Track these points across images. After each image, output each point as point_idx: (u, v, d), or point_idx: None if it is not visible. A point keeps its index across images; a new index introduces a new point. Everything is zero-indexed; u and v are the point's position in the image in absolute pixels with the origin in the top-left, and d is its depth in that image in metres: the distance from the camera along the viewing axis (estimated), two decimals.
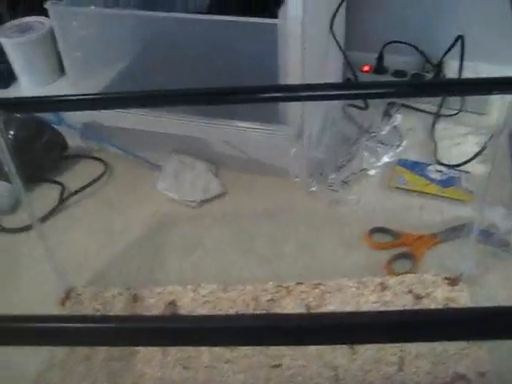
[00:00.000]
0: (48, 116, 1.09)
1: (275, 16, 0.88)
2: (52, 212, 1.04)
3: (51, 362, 0.78)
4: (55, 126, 1.11)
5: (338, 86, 0.80)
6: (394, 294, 0.81)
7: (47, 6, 0.97)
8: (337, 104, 1.15)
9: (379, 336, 0.40)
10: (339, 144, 1.09)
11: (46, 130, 1.10)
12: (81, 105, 0.70)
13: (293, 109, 0.93)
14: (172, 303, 0.84)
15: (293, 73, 0.89)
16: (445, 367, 0.72)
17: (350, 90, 0.70)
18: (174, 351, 0.77)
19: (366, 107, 1.20)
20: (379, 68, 1.27)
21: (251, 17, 0.89)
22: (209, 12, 1.04)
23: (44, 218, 1.03)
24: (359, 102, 1.22)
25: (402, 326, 0.38)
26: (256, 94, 0.67)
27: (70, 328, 0.42)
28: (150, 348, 0.78)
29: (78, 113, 1.07)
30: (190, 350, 0.77)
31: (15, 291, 0.90)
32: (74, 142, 1.16)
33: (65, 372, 0.77)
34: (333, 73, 1.20)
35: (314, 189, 1.03)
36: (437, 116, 1.21)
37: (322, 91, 0.67)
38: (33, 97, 0.66)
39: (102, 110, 0.89)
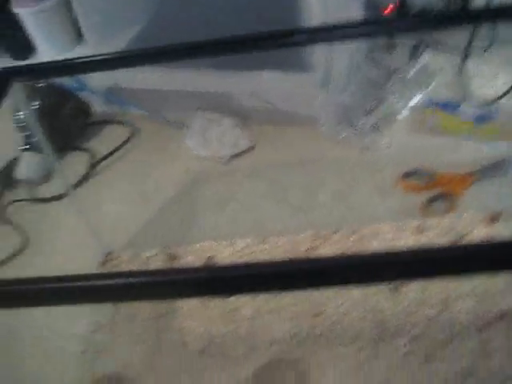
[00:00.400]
0: (71, 83, 1.09)
1: None
2: (83, 179, 1.05)
3: (97, 324, 0.80)
4: (79, 93, 1.11)
5: (364, 24, 0.77)
6: (433, 236, 0.80)
7: None
8: (362, 47, 1.11)
9: (421, 272, 0.39)
10: (366, 89, 1.06)
11: (70, 98, 1.10)
12: (101, 65, 0.69)
13: (318, 54, 0.90)
14: (209, 259, 0.84)
15: (315, 14, 0.86)
16: (488, 306, 0.71)
17: (376, 26, 0.67)
18: (215, 304, 0.78)
19: (393, 49, 1.16)
20: (401, 8, 1.22)
21: None
22: None
23: (75, 186, 1.03)
24: (385, 45, 1.18)
25: (443, 261, 0.37)
26: (279, 39, 0.65)
27: (112, 285, 0.42)
28: (192, 303, 0.79)
29: (101, 77, 1.06)
30: (232, 303, 0.78)
31: (54, 258, 0.92)
32: (98, 107, 1.15)
33: (111, 332, 0.78)
34: (354, 16, 1.16)
35: (343, 136, 1.01)
36: (466, 53, 1.17)
37: (351, 29, 0.65)
38: (53, 61, 0.66)
39: (124, 70, 0.87)
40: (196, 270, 0.43)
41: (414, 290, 0.74)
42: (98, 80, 1.09)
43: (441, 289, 0.74)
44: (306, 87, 0.95)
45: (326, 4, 0.86)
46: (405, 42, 1.16)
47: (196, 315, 0.78)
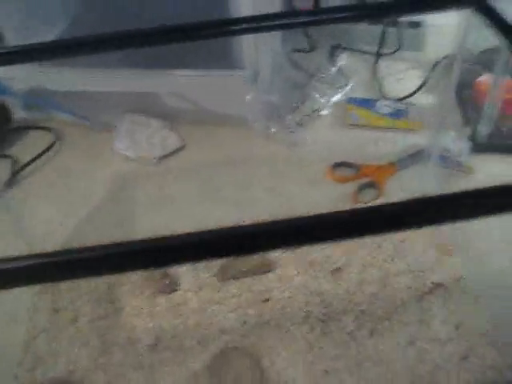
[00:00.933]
0: None
1: None
2: (5, 187, 1.00)
3: (36, 330, 0.77)
4: None
5: (285, 15, 0.79)
6: None
7: None
8: (283, 49, 1.16)
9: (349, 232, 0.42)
10: (290, 88, 1.10)
11: None
12: (17, 57, 0.67)
13: (247, 51, 0.93)
14: None
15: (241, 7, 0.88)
16: (423, 279, 0.76)
17: (295, 18, 0.70)
18: (160, 301, 0.78)
19: (311, 50, 1.22)
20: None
21: None
22: None
23: None
24: (304, 46, 1.23)
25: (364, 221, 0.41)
26: (206, 29, 0.66)
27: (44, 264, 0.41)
28: (135, 302, 0.78)
29: (22, 79, 1.03)
30: (176, 298, 0.78)
31: None
32: (19, 113, 1.11)
33: (52, 337, 0.76)
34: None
35: (271, 132, 1.04)
36: (378, 55, 1.24)
37: (278, 20, 0.68)
38: None
39: (47, 71, 0.85)
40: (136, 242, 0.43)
41: (353, 272, 0.78)
42: (18, 83, 1.05)
43: (378, 269, 0.78)
44: (234, 85, 0.97)
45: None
46: (323, 45, 1.22)
47: (141, 313, 0.77)
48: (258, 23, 0.69)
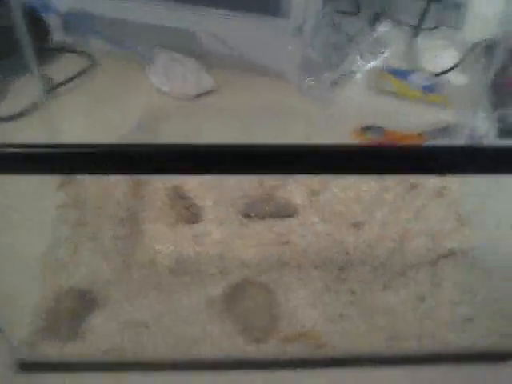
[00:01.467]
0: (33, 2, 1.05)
1: None
2: (35, 106, 1.01)
3: (57, 241, 0.79)
4: (41, 14, 1.07)
5: None
6: (392, 181, 0.86)
7: None
8: (325, 9, 1.16)
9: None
10: (330, 47, 1.11)
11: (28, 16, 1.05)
12: None
13: (296, 2, 0.93)
14: (177, 187, 0.85)
15: None
16: (440, 244, 0.78)
17: None
18: (184, 230, 0.80)
19: (354, 13, 1.22)
20: None
21: None
22: None
23: (29, 111, 1.00)
24: (347, 8, 1.23)
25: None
26: None
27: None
28: (158, 226, 0.80)
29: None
30: (200, 229, 0.80)
31: None
32: (58, 34, 1.12)
33: (74, 249, 0.78)
34: None
35: (307, 86, 1.05)
36: (418, 28, 1.24)
37: None
38: None
39: None
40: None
41: (374, 227, 0.80)
42: (62, 3, 1.05)
43: (398, 227, 0.80)
44: (276, 34, 0.98)
45: None
46: (366, 11, 1.22)
47: (164, 238, 0.79)
48: None
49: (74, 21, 1.10)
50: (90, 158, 0.45)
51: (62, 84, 1.05)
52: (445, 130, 1.01)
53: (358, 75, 1.11)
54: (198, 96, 1.04)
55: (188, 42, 1.09)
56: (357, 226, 0.80)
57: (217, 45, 1.07)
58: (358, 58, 1.12)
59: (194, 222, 0.81)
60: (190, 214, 0.82)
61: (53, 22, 1.10)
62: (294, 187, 0.85)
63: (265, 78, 1.07)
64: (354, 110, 1.04)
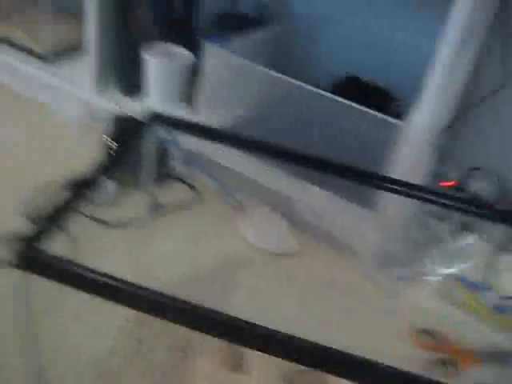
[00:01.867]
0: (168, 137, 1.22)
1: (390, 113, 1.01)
2: (142, 219, 1.15)
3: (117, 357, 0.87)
4: (168, 146, 1.24)
5: (430, 191, 0.89)
6: None
7: (207, 45, 1.11)
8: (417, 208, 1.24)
9: None
10: (411, 245, 1.17)
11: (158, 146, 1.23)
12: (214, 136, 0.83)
13: (386, 199, 1.02)
14: None
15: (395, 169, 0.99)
16: None
17: (437, 196, 0.80)
18: (225, 374, 0.85)
19: (441, 219, 1.29)
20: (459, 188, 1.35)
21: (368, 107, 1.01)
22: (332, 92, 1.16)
23: (132, 223, 1.13)
24: (434, 213, 1.30)
25: None
26: (356, 174, 0.77)
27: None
28: (205, 365, 0.86)
29: (190, 141, 1.19)
30: (239, 378, 0.85)
31: None
32: (174, 165, 1.28)
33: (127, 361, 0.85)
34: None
35: (379, 276, 1.11)
36: (502, 247, 1.28)
37: (418, 192, 0.77)
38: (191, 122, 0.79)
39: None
40: None
41: None
42: (187, 143, 1.21)
43: None
44: (361, 222, 1.06)
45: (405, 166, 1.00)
46: (452, 217, 1.28)
47: (205, 376, 0.84)
48: (402, 188, 0.78)
49: (193, 158, 1.25)
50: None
51: (166, 208, 1.18)
52: (499, 355, 1.01)
53: (430, 277, 1.15)
54: (278, 255, 1.13)
55: (282, 203, 1.20)
56: None
57: (308, 213, 1.17)
58: (435, 261, 1.17)
59: (234, 371, 0.86)
60: (234, 361, 0.88)
61: (175, 154, 1.26)
62: None
63: (344, 257, 1.15)
64: (417, 310, 1.08)
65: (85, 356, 0.86)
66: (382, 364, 0.49)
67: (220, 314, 0.53)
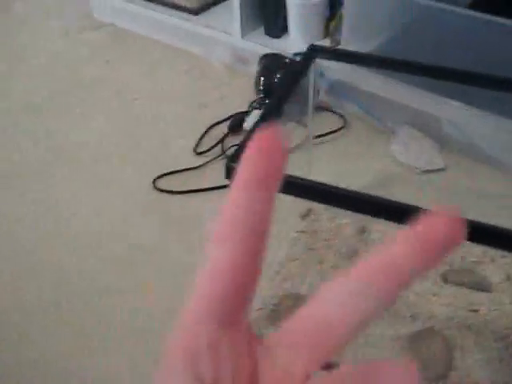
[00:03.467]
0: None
1: None
2: (294, 149, 1.27)
3: (291, 257, 1.01)
4: (318, 79, 1.34)
5: None
6: None
7: None
8: None
9: None
10: None
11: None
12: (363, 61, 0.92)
13: None
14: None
15: None
16: None
17: None
18: None
19: None
20: None
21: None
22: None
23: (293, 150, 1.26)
24: None
25: None
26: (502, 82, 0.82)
27: None
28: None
29: (337, 70, 1.28)
30: None
31: None
32: (321, 96, 1.38)
33: (301, 267, 1.00)
34: None
35: None
36: None
37: None
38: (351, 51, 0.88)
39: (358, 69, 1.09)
40: None
41: None
42: (333, 73, 1.31)
43: None
44: (506, 133, 1.11)
45: None
46: None
47: None
48: None
49: (339, 88, 1.35)
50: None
51: (318, 136, 1.30)
52: None
53: None
54: (426, 172, 1.21)
55: (429, 124, 1.27)
56: None
57: (454, 131, 1.23)
58: None
59: None
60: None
61: (322, 86, 1.36)
62: (492, 268, 0.97)
63: (491, 169, 1.20)
64: None
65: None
66: None
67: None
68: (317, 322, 0.22)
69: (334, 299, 0.22)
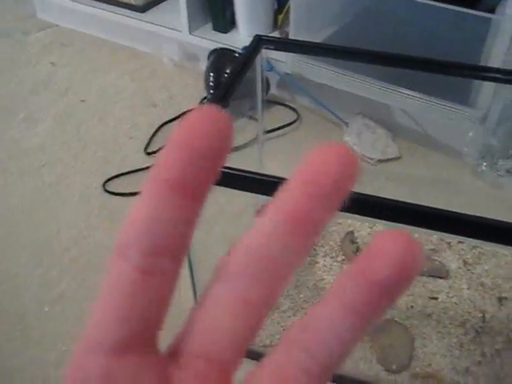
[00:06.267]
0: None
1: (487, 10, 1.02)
2: (247, 144, 1.24)
3: None
4: (266, 73, 1.31)
5: None
6: None
7: None
8: None
9: None
10: (510, 136, 1.20)
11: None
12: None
13: (484, 95, 1.06)
14: (350, 232, 1.01)
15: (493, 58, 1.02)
16: None
17: None
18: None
19: None
20: None
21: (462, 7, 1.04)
22: None
23: (239, 148, 1.23)
24: None
25: None
26: (451, 68, 0.81)
27: None
28: (328, 260, 0.96)
29: (288, 63, 1.26)
30: None
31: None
32: (272, 89, 1.36)
33: None
34: None
35: (482, 169, 1.16)
36: None
37: None
38: (298, 40, 0.85)
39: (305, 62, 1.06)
40: None
41: None
42: (283, 66, 1.28)
43: None
44: (460, 119, 1.11)
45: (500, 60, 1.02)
46: None
47: (332, 270, 0.95)
48: (505, 76, 0.82)
49: (290, 81, 1.33)
50: None
51: (271, 131, 1.28)
52: None
53: None
54: (382, 161, 1.20)
55: (382, 113, 1.26)
56: (500, 300, 0.89)
57: (406, 119, 1.22)
58: None
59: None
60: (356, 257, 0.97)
61: (272, 79, 1.34)
62: (449, 254, 0.96)
63: (444, 155, 1.20)
64: None
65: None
66: None
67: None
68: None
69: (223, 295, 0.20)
